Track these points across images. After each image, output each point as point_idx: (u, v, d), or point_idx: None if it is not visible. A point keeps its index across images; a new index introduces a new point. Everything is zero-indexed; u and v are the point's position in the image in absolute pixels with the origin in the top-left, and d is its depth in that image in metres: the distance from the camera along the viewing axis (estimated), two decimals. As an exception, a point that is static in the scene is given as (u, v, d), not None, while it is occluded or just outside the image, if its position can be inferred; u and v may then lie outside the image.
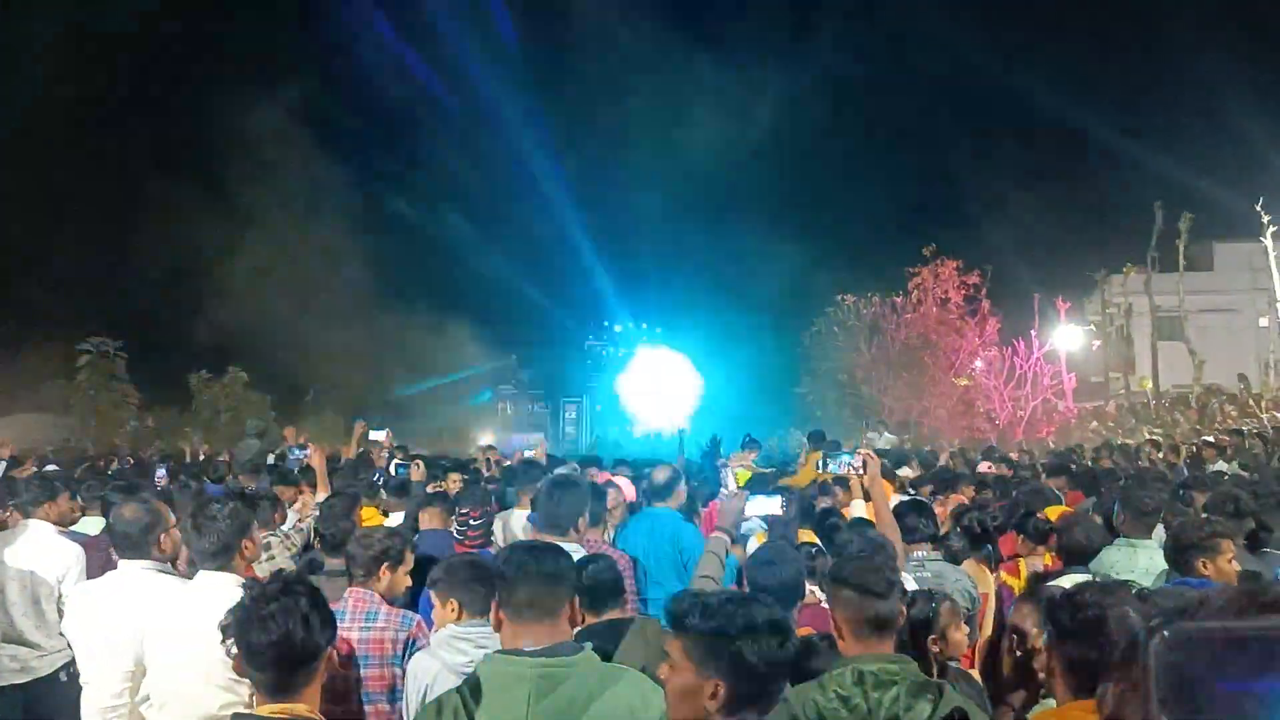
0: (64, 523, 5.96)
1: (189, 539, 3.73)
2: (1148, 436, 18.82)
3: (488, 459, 12.15)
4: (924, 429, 29.69)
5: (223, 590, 3.52)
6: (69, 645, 5.12)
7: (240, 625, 2.42)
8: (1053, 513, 6.87)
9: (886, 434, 14.80)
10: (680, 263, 34.78)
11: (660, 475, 5.92)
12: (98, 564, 5.35)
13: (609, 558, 3.98)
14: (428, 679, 3.68)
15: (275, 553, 5.59)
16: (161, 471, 10.34)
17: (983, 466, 11.63)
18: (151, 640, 3.57)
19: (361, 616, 4.03)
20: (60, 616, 5.25)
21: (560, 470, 7.39)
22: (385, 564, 4.22)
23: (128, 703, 3.64)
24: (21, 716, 5.23)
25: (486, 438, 25.61)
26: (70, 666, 5.06)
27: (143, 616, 3.67)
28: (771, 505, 4.68)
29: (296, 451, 8.81)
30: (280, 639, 2.38)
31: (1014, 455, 14.93)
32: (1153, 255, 31.15)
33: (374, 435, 10.66)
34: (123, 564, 4.18)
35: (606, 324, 35.40)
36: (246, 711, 2.45)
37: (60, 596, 5.32)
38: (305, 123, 32.10)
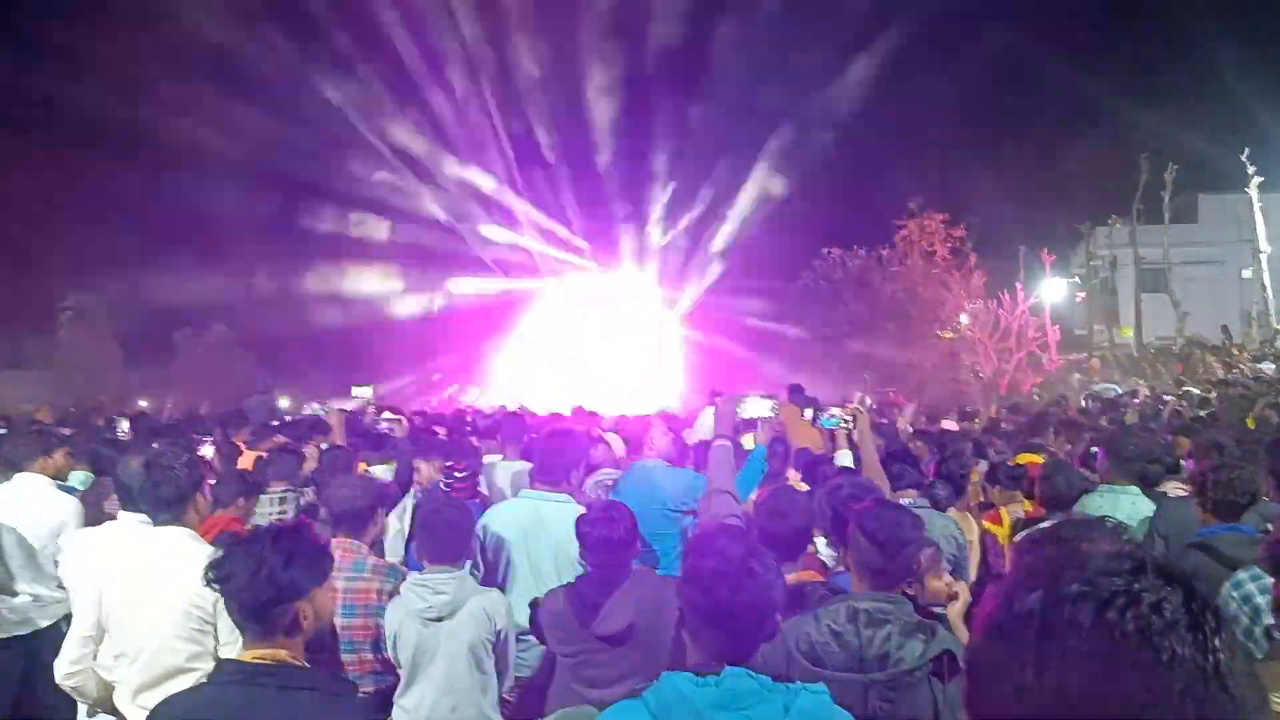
0: (58, 477, 5.97)
1: (143, 490, 3.70)
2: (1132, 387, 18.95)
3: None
4: (909, 383, 29.82)
5: (178, 543, 3.51)
6: (68, 598, 5.26)
7: (222, 564, 2.44)
8: (1022, 459, 6.95)
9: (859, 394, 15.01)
10: (661, 213, 34.39)
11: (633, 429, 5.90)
12: (87, 517, 5.43)
13: (624, 510, 3.99)
14: (395, 626, 3.89)
15: (288, 506, 5.53)
16: (125, 425, 10.28)
17: (948, 423, 11.84)
18: (109, 595, 3.56)
19: (348, 567, 4.05)
20: (58, 569, 5.32)
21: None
22: (375, 515, 4.27)
23: (86, 667, 3.62)
24: (25, 667, 5.30)
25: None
26: (70, 618, 5.14)
27: (101, 573, 3.65)
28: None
29: (315, 407, 8.83)
30: (255, 578, 2.39)
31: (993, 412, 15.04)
32: (1138, 208, 31.21)
33: (358, 392, 10.65)
34: (122, 515, 4.19)
35: (585, 269, 35.15)
36: (231, 657, 2.46)
37: (57, 549, 5.36)
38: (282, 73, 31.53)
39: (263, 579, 2.39)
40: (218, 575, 2.44)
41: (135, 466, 4.15)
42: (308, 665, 2.48)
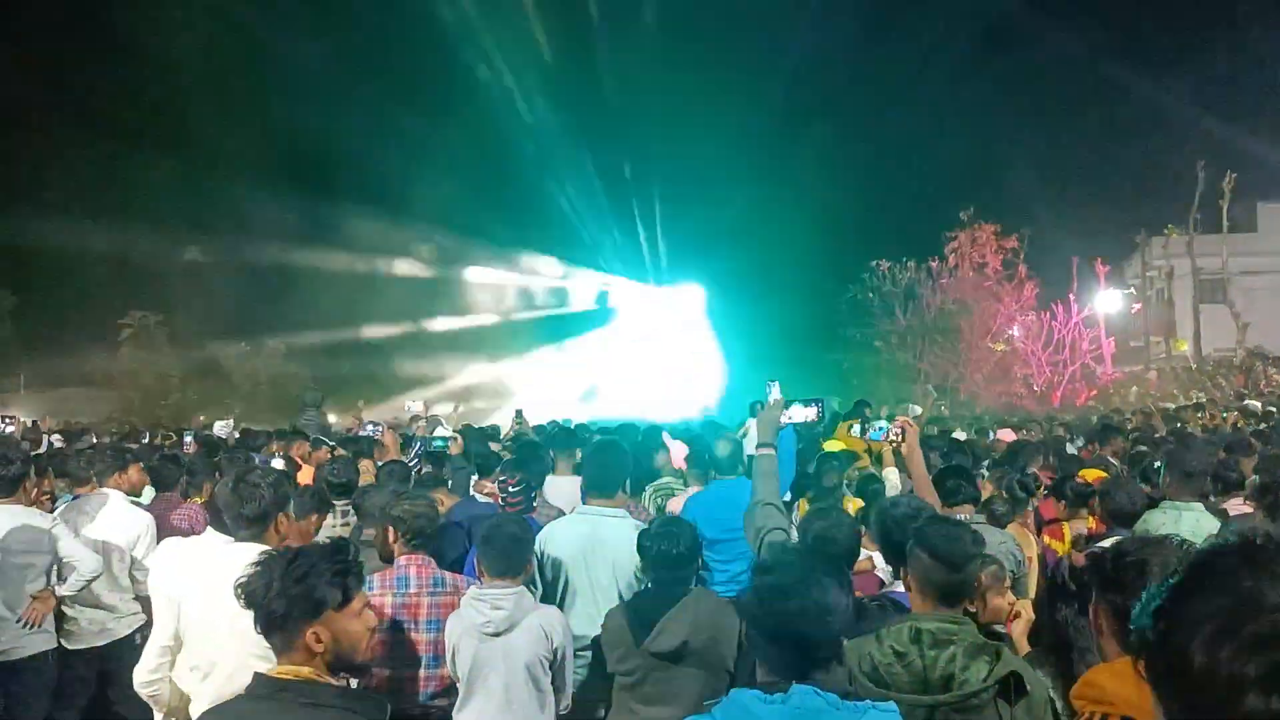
0: (134, 493, 6.19)
1: (228, 505, 3.76)
2: (1191, 401, 18.57)
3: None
4: (961, 395, 29.48)
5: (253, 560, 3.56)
6: (142, 609, 5.52)
7: (249, 579, 2.48)
8: (1089, 475, 6.83)
9: (913, 406, 14.84)
10: (710, 227, 34.39)
11: (723, 449, 5.78)
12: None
13: (686, 526, 3.98)
14: (454, 639, 3.92)
15: (349, 521, 5.60)
16: (189, 439, 10.50)
17: (1005, 434, 11.65)
18: (188, 608, 3.62)
19: (428, 582, 4.13)
20: (133, 581, 5.62)
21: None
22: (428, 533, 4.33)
23: (164, 676, 3.69)
24: (98, 675, 5.53)
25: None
26: (144, 629, 5.31)
27: (182, 586, 3.71)
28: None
29: (371, 428, 9.02)
30: (265, 593, 2.42)
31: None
32: (1195, 217, 30.64)
33: (410, 405, 10.77)
34: (209, 531, 4.29)
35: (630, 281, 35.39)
36: (263, 671, 2.49)
37: (133, 562, 5.61)
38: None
39: (272, 595, 2.42)
40: (241, 588, 2.47)
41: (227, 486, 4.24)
42: (332, 681, 2.48)
